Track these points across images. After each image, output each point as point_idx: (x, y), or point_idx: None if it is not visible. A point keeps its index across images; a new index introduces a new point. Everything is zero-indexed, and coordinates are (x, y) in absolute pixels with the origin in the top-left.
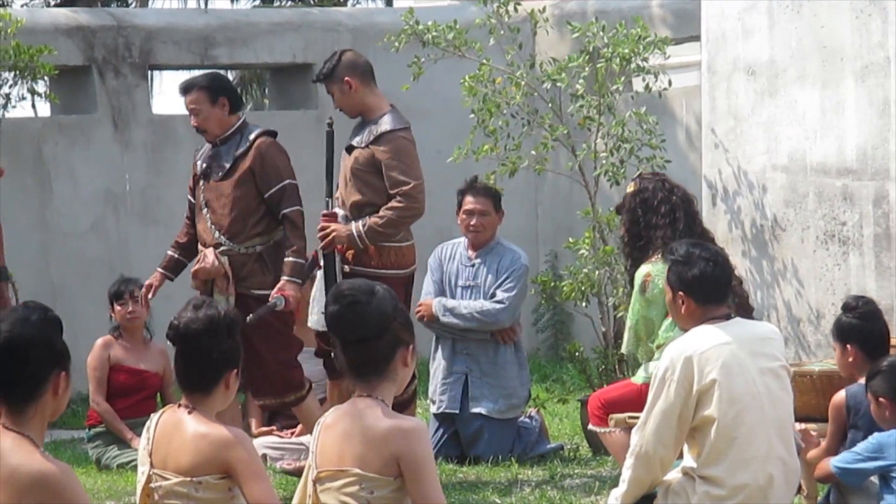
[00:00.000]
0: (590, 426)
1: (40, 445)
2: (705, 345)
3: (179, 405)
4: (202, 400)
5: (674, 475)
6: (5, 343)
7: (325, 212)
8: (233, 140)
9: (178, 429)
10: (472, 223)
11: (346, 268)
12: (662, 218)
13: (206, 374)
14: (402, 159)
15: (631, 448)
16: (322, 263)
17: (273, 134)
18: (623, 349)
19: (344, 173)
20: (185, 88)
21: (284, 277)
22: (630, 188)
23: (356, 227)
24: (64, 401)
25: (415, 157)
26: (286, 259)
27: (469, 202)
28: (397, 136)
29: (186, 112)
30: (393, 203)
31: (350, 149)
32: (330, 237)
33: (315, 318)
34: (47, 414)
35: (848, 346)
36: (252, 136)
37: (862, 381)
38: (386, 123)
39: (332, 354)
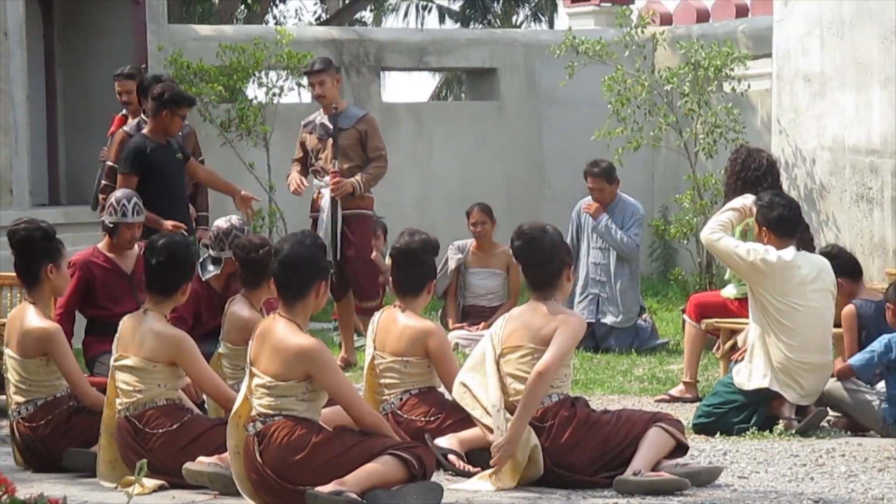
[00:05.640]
0: (683, 315)
1: (303, 329)
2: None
3: (395, 305)
4: (412, 301)
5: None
6: (285, 258)
7: (334, 170)
8: None
9: (394, 322)
10: (592, 197)
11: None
12: (753, 172)
13: (418, 281)
14: (378, 133)
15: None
16: (329, 208)
17: None
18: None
19: (335, 148)
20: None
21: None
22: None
23: (357, 180)
24: (322, 302)
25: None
26: None
27: (589, 182)
28: (371, 117)
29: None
30: (376, 164)
31: (339, 130)
32: (343, 188)
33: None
34: (310, 309)
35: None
36: None
37: (864, 296)
38: (360, 109)
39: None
